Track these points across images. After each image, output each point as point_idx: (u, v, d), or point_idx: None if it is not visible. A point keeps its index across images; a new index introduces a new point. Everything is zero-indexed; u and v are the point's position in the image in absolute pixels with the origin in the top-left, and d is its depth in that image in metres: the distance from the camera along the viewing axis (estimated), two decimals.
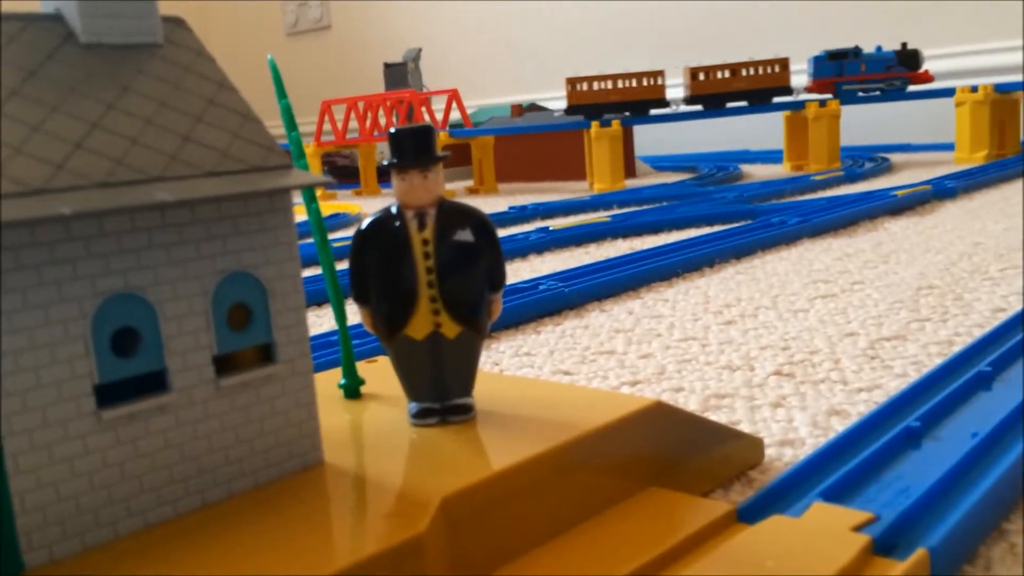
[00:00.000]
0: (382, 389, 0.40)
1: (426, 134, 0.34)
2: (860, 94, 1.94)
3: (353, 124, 2.28)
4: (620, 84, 1.94)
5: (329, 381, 0.40)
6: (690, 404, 0.49)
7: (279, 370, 0.31)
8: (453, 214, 0.34)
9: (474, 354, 0.35)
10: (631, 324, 0.69)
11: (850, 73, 1.94)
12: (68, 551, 0.26)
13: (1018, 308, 0.63)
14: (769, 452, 0.42)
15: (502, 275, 0.35)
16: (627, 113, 1.93)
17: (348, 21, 3.75)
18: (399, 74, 2.34)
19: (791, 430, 0.45)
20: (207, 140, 0.29)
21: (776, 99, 1.94)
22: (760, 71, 1.93)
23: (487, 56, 3.25)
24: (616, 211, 1.39)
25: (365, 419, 0.37)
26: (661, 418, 0.37)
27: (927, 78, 1.95)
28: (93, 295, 0.26)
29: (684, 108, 1.98)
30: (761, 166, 2.11)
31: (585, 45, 3.00)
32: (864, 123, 2.37)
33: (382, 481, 0.31)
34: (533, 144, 2.20)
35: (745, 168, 2.03)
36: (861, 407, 0.47)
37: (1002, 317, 0.62)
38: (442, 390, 0.35)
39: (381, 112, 2.20)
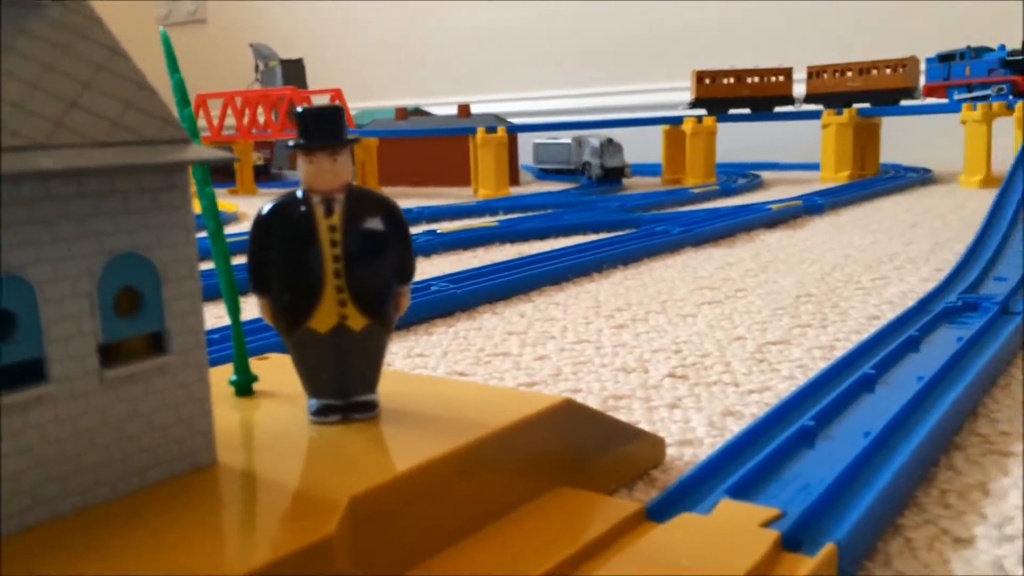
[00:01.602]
0: (276, 386, 0.38)
1: (335, 115, 0.32)
2: (962, 96, 1.78)
3: (230, 121, 2.21)
4: (748, 80, 1.98)
5: (219, 378, 0.38)
6: (589, 405, 0.49)
7: (171, 361, 0.28)
8: (362, 201, 0.32)
9: (380, 349, 0.34)
10: (524, 326, 0.68)
11: (957, 77, 1.81)
12: None
13: (890, 316, 0.66)
14: (669, 452, 0.42)
15: (412, 266, 0.34)
16: (747, 110, 1.98)
17: (225, 16, 3.63)
18: (291, 71, 2.29)
19: (689, 430, 0.45)
20: (96, 108, 0.27)
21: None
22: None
23: (372, 58, 3.21)
24: (503, 217, 1.39)
25: (260, 417, 0.35)
26: (570, 416, 0.36)
27: None
28: None
29: (806, 107, 2.00)
30: (640, 178, 2.16)
31: (473, 51, 3.01)
32: (734, 141, 2.46)
33: (283, 482, 0.29)
34: (417, 149, 2.18)
35: (625, 180, 2.07)
36: (754, 408, 0.48)
37: (877, 324, 0.65)
38: (345, 386, 0.33)
39: (260, 109, 2.13)
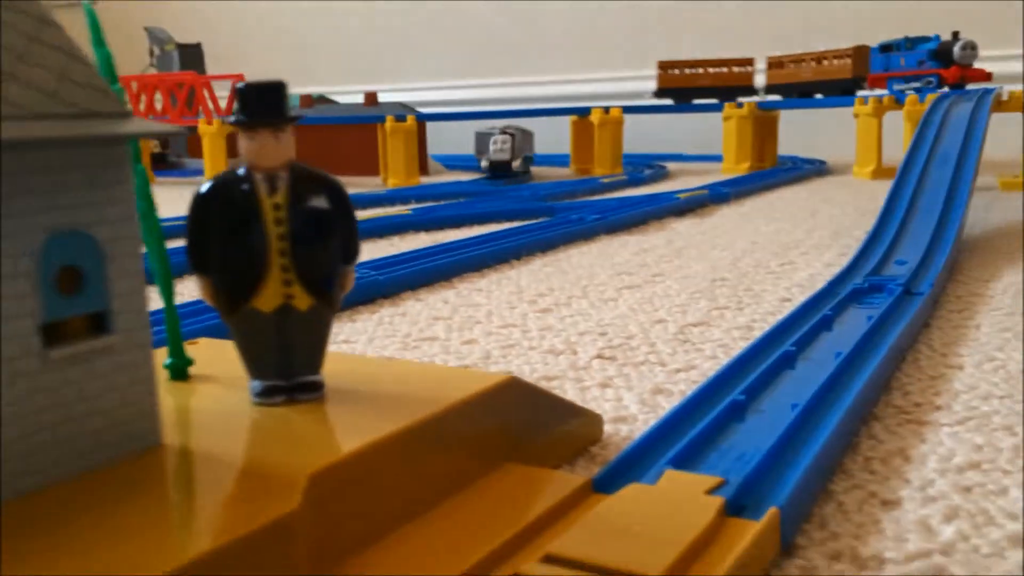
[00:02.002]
0: (212, 370, 0.37)
1: (278, 90, 0.31)
2: (900, 87, 1.77)
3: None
4: (711, 70, 1.98)
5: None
6: None
7: (115, 341, 0.27)
8: (307, 179, 0.32)
9: (326, 329, 0.33)
10: (449, 312, 0.68)
11: (894, 68, 1.78)
12: None
13: (801, 298, 0.68)
14: (606, 429, 0.43)
15: (357, 246, 0.34)
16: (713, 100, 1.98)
17: None
18: (189, 56, 2.22)
19: (622, 408, 0.46)
20: (31, 79, 0.25)
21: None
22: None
23: (273, 45, 3.13)
24: (415, 205, 1.38)
25: (200, 400, 0.34)
26: (515, 393, 0.36)
27: (974, 75, 1.68)
28: None
29: (770, 97, 2.00)
30: (548, 168, 2.18)
31: (378, 39, 2.97)
32: (639, 132, 2.51)
33: (234, 462, 0.28)
34: (323, 137, 2.14)
35: (534, 169, 2.08)
36: (682, 386, 0.49)
37: (789, 306, 0.67)
38: (290, 366, 0.33)
39: (158, 95, 2.06)
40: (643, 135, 2.49)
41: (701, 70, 2.12)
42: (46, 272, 0.25)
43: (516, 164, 1.81)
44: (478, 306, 0.70)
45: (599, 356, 0.56)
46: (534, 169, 2.01)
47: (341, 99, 2.46)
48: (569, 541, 0.29)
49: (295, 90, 2.61)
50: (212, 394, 0.34)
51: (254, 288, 0.31)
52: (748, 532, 0.30)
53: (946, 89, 1.65)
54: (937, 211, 0.93)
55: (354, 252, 0.34)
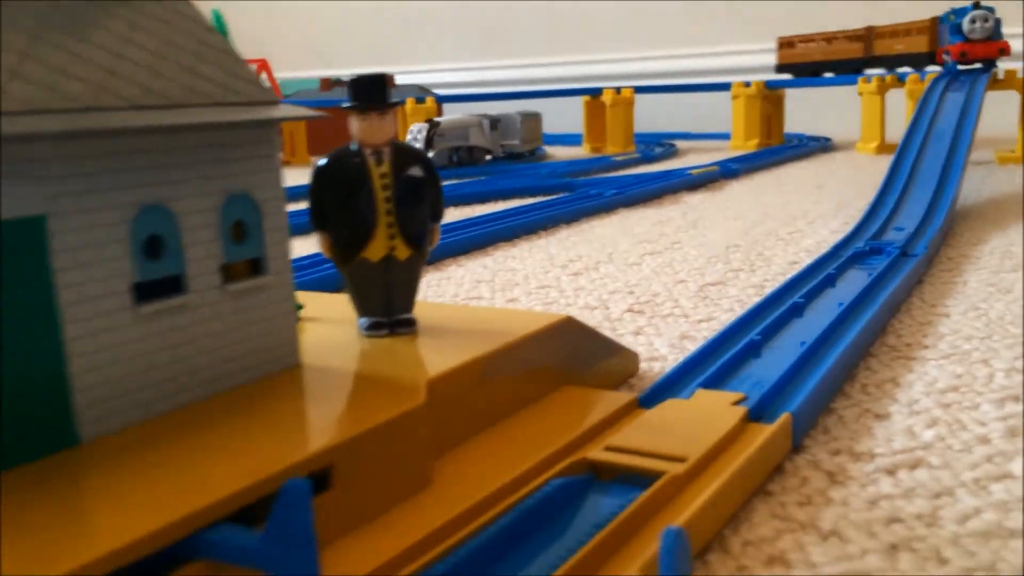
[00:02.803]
0: (316, 314, 0.44)
1: (383, 81, 0.39)
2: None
3: None
4: (831, 43, 1.97)
5: None
6: None
7: (268, 281, 0.35)
8: (405, 153, 0.39)
9: (418, 275, 0.41)
10: (489, 276, 0.76)
11: (942, 43, 1.68)
12: (111, 429, 0.29)
13: (808, 261, 0.76)
14: (640, 367, 0.50)
15: (442, 208, 0.41)
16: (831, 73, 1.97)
17: None
18: None
19: (654, 351, 0.53)
20: (210, 76, 0.33)
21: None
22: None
23: (294, 28, 3.19)
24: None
25: (317, 335, 0.41)
26: (569, 330, 0.44)
27: (977, 51, 1.57)
28: (131, 204, 0.30)
29: (874, 72, 1.93)
30: (561, 147, 2.25)
31: (396, 23, 3.03)
32: (648, 111, 2.57)
33: (362, 375, 0.36)
34: (343, 119, 2.21)
35: (548, 149, 2.15)
36: (705, 332, 0.57)
37: (798, 267, 0.74)
38: (391, 306, 0.40)
39: None
40: (651, 114, 2.55)
41: (816, 44, 2.05)
42: (225, 225, 0.33)
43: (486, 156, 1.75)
44: (515, 271, 0.78)
45: (629, 310, 0.63)
46: (548, 148, 2.07)
47: None
48: (624, 436, 0.36)
49: (312, 73, 2.68)
50: (324, 331, 0.42)
51: (365, 242, 0.39)
52: (765, 432, 0.37)
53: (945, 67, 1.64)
54: (933, 183, 1.00)
55: (440, 212, 0.41)
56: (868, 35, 2.02)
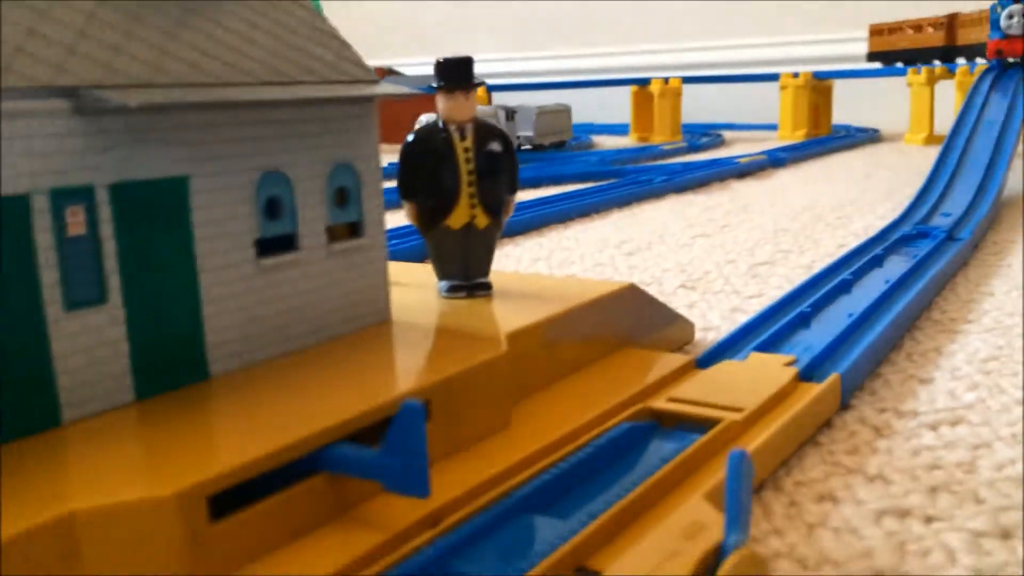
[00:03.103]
0: (397, 279, 0.48)
1: (468, 64, 0.42)
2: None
3: None
4: (928, 30, 1.90)
5: None
6: None
7: (365, 243, 0.39)
8: (486, 129, 0.43)
9: (494, 242, 0.45)
10: (546, 254, 0.79)
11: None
12: (236, 367, 0.33)
13: (854, 244, 0.78)
14: (696, 335, 0.54)
15: (517, 181, 0.45)
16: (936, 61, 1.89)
17: None
18: None
19: (707, 322, 0.57)
20: (321, 57, 0.37)
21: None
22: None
23: (346, 18, 3.25)
24: None
25: (402, 298, 0.45)
26: (632, 296, 0.47)
27: (1011, 49, 1.46)
28: (256, 169, 0.34)
29: (961, 61, 1.87)
30: (608, 136, 2.27)
31: (447, 13, 3.07)
32: (694, 101, 2.58)
33: (447, 329, 0.40)
34: (394, 108, 2.25)
35: (595, 138, 2.18)
36: (755, 305, 0.60)
37: (844, 249, 0.77)
38: (469, 270, 0.44)
39: None
40: (697, 104, 2.56)
41: (904, 32, 1.99)
42: (330, 191, 0.37)
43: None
44: (570, 250, 0.81)
45: (682, 286, 0.66)
46: (595, 138, 2.10)
47: (409, 71, 2.57)
48: (685, 389, 0.40)
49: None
50: (408, 293, 0.46)
51: (449, 210, 0.42)
52: (815, 390, 0.40)
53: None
54: (981, 172, 1.02)
55: (516, 185, 0.45)
56: (951, 23, 1.95)
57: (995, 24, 1.46)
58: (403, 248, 0.72)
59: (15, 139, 0.26)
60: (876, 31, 2.10)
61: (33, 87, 0.27)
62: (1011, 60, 1.43)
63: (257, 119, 0.33)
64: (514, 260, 0.77)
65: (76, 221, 0.28)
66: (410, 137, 0.43)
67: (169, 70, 0.30)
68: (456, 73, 0.42)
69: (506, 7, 2.99)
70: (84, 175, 0.28)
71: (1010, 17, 1.43)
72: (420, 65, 2.65)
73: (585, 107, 2.72)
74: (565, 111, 1.86)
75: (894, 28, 2.06)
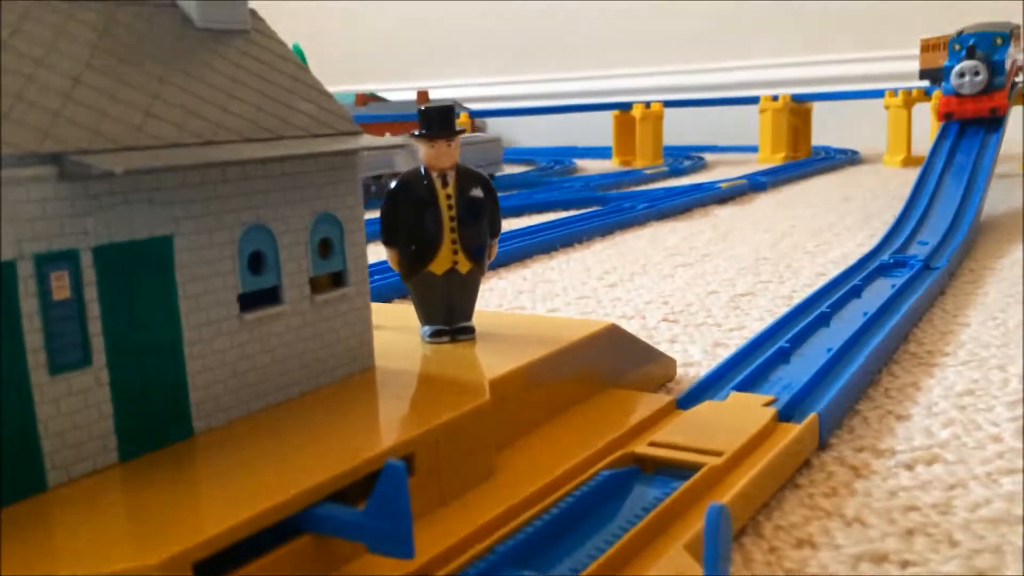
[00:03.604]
0: (379, 322, 0.49)
1: (450, 112, 0.43)
2: None
3: None
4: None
5: None
6: None
7: (349, 292, 0.39)
8: (468, 176, 0.43)
9: (477, 286, 0.45)
10: (530, 287, 0.80)
11: None
12: (219, 422, 0.34)
13: (834, 272, 0.79)
14: (677, 371, 0.54)
15: (499, 225, 0.45)
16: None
17: None
18: None
19: (688, 357, 0.57)
20: (303, 110, 0.37)
21: None
22: None
23: (327, 43, 3.26)
24: None
25: (385, 342, 0.45)
26: (613, 337, 0.48)
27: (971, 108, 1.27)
28: (239, 224, 0.34)
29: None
30: (591, 160, 2.29)
31: (429, 38, 3.08)
32: (675, 125, 2.60)
33: (430, 376, 0.40)
34: (377, 134, 2.26)
35: (578, 162, 2.19)
36: (736, 340, 0.60)
37: (824, 279, 0.78)
38: (452, 315, 0.44)
39: None
40: (678, 127, 2.59)
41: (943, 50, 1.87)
42: (314, 242, 0.37)
43: None
44: (553, 282, 0.82)
45: (664, 319, 0.67)
46: (578, 162, 2.11)
47: (393, 97, 2.58)
48: (665, 433, 0.40)
49: (348, 88, 2.74)
50: (391, 337, 0.46)
51: (431, 256, 0.43)
52: (794, 431, 0.41)
53: None
54: (958, 197, 1.03)
55: (497, 230, 0.45)
56: None
57: (946, 74, 1.25)
58: (380, 286, 0.72)
59: (2, 205, 0.27)
60: (927, 47, 1.75)
61: (17, 155, 0.27)
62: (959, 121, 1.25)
63: (240, 175, 0.34)
64: (499, 294, 0.78)
65: (61, 285, 0.28)
66: (393, 184, 0.43)
67: (154, 132, 0.31)
68: (438, 121, 0.43)
69: (489, 32, 3.01)
70: (68, 239, 0.29)
71: (961, 75, 1.22)
72: (403, 90, 2.67)
73: (568, 131, 2.74)
74: (494, 142, 1.73)
75: (935, 45, 1.89)
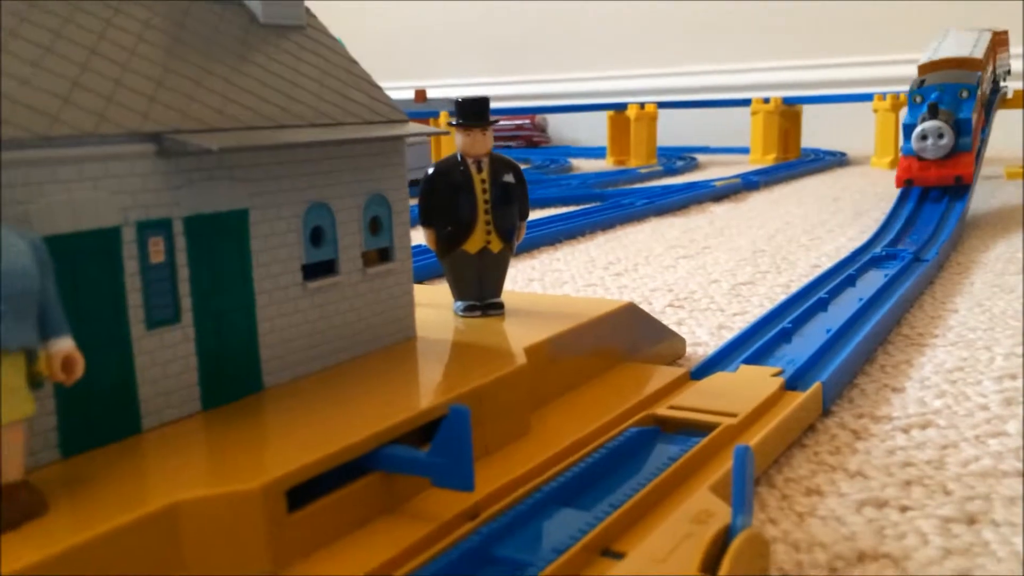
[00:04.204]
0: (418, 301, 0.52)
1: (485, 102, 0.46)
2: None
3: None
4: None
5: None
6: None
7: (395, 267, 0.43)
8: (500, 162, 0.47)
9: (507, 265, 0.49)
10: (539, 275, 0.84)
11: None
12: (285, 379, 0.37)
13: (828, 265, 0.83)
14: (687, 350, 0.58)
15: (527, 209, 0.49)
16: None
17: None
18: None
19: (696, 338, 0.61)
20: (357, 99, 0.41)
21: None
22: None
23: None
24: None
25: (421, 317, 0.49)
26: (631, 314, 0.51)
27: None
28: (303, 201, 0.37)
29: None
30: (586, 160, 2.33)
31: (427, 37, 3.12)
32: (668, 126, 2.65)
33: (467, 344, 0.44)
34: None
35: (574, 161, 2.23)
36: (740, 323, 0.64)
37: (819, 270, 0.81)
38: (484, 292, 0.48)
39: None
40: (671, 129, 2.63)
41: None
42: (366, 219, 0.41)
43: None
44: (561, 271, 0.85)
45: (671, 305, 0.71)
46: (574, 161, 2.15)
47: (390, 95, 2.60)
48: (683, 398, 0.44)
49: None
50: (427, 312, 0.49)
51: (466, 236, 0.46)
52: (800, 397, 0.44)
53: None
54: (945, 196, 1.07)
55: (526, 213, 0.49)
56: None
57: (907, 131, 1.09)
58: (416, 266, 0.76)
59: (110, 178, 0.30)
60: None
61: (123, 133, 0.31)
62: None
63: (305, 157, 0.37)
64: (510, 281, 0.81)
65: (157, 250, 0.32)
66: (430, 170, 0.47)
67: (233, 115, 0.34)
68: (474, 111, 0.46)
69: (486, 32, 3.05)
70: (163, 210, 0.32)
71: (923, 138, 1.06)
72: (401, 89, 2.69)
73: (563, 130, 2.78)
74: (421, 145, 1.63)
75: None
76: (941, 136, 1.05)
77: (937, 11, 2.30)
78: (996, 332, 0.60)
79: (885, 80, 2.23)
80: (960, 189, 1.09)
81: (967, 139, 1.07)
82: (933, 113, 1.07)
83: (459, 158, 0.47)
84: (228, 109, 0.34)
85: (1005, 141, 1.78)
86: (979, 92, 1.15)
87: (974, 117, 1.10)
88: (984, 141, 1.22)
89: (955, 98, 1.11)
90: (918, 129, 1.06)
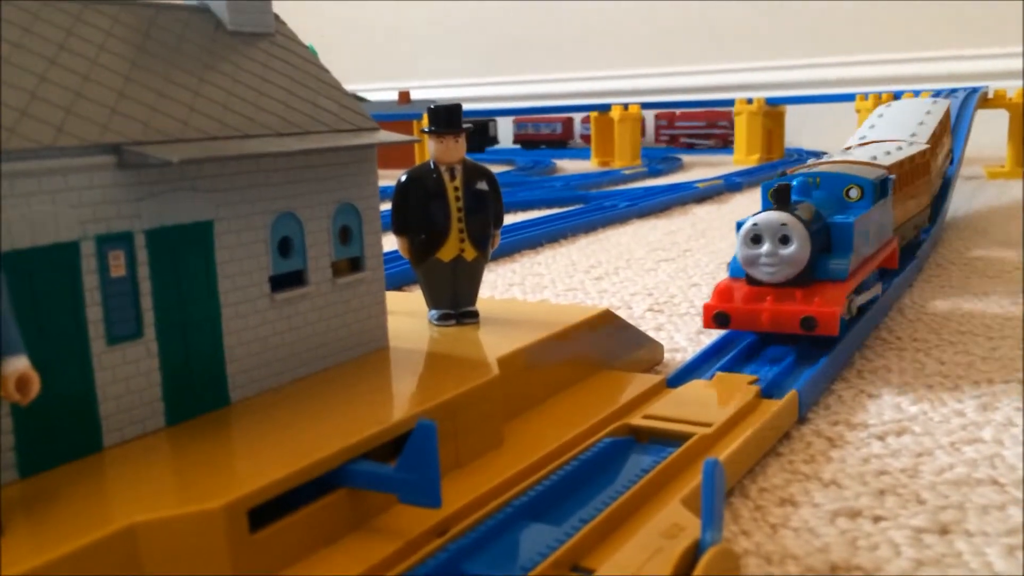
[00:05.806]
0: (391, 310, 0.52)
1: (457, 110, 0.46)
2: None
3: None
4: None
5: None
6: None
7: (366, 276, 0.42)
8: (474, 170, 0.47)
9: (481, 274, 0.48)
10: (519, 280, 0.83)
11: None
12: (252, 393, 0.36)
13: None
14: (664, 355, 0.57)
15: (502, 216, 0.48)
16: None
17: None
18: None
19: (674, 343, 0.61)
20: (326, 107, 0.40)
21: None
22: None
23: (316, 46, 3.27)
24: None
25: (394, 326, 0.48)
26: (608, 321, 0.51)
27: None
28: (271, 211, 0.37)
29: None
30: (570, 161, 2.32)
31: (410, 38, 3.11)
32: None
33: (440, 354, 0.43)
34: None
35: (558, 163, 2.23)
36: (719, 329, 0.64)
37: None
38: (458, 300, 0.48)
39: None
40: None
41: None
42: (335, 229, 0.40)
43: None
44: (541, 275, 0.85)
45: (650, 309, 0.70)
46: (560, 162, 2.15)
47: (374, 97, 2.60)
48: (658, 407, 0.44)
49: None
50: (400, 321, 0.49)
51: (439, 244, 0.46)
52: (776, 405, 0.44)
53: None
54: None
55: (501, 220, 0.48)
56: None
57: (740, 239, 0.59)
58: (391, 273, 0.75)
59: (69, 191, 0.29)
60: None
61: (82, 145, 0.30)
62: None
63: (272, 167, 0.37)
64: (489, 286, 0.81)
65: (117, 264, 0.31)
66: (403, 177, 0.46)
67: (198, 126, 0.34)
68: (446, 119, 0.46)
69: (469, 33, 3.04)
70: (124, 223, 0.31)
71: (755, 241, 0.56)
72: (384, 90, 2.69)
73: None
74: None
75: None
76: (785, 241, 0.55)
77: (920, 10, 2.31)
78: (975, 335, 0.60)
79: (868, 80, 2.24)
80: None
81: (842, 262, 0.56)
82: (779, 201, 0.57)
83: (432, 165, 0.46)
84: (192, 119, 0.34)
85: (986, 141, 1.79)
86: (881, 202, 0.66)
87: (869, 226, 0.62)
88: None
89: (835, 196, 0.63)
90: (747, 224, 0.58)
